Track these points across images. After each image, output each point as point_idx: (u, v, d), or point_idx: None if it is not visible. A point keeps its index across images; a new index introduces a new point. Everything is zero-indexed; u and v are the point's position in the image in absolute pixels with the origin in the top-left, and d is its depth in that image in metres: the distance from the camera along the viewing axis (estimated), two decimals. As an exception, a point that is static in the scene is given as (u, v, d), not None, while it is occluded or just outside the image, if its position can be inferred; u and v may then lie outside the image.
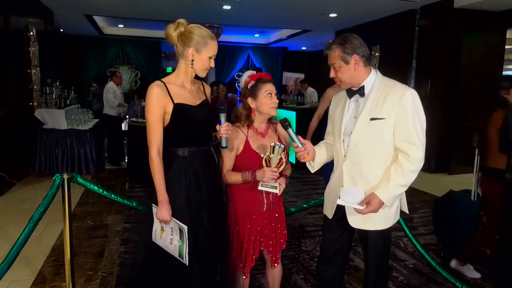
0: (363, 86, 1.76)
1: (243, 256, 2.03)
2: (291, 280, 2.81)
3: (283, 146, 1.86)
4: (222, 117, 1.82)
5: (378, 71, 1.81)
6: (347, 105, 1.83)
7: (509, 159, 2.36)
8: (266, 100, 1.95)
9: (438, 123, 5.96)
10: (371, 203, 1.70)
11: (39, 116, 5.70)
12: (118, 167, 6.35)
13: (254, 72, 2.07)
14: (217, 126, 1.83)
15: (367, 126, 1.72)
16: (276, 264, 2.15)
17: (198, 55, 1.77)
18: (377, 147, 1.73)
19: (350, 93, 1.81)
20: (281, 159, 1.86)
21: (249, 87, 1.98)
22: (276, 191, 1.90)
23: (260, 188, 1.90)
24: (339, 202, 1.78)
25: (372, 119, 1.71)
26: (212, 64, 1.82)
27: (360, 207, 1.72)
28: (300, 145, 1.81)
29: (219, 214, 1.97)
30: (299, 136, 1.83)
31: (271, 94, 1.95)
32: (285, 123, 1.83)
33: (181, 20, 1.79)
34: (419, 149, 1.66)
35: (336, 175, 1.89)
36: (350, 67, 1.74)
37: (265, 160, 1.87)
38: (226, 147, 1.85)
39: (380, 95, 1.72)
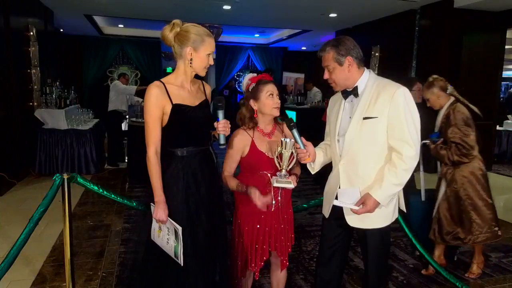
0: (357, 86, 1.77)
1: (253, 256, 2.02)
2: (291, 280, 2.81)
3: (293, 140, 1.85)
4: (220, 114, 1.83)
5: (371, 71, 1.83)
6: (342, 105, 1.84)
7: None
8: (267, 101, 1.96)
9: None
10: (366, 204, 1.70)
11: (39, 116, 5.70)
12: (118, 168, 6.34)
13: (255, 74, 2.08)
14: (215, 124, 1.83)
15: (360, 126, 1.73)
16: (284, 268, 2.15)
17: (196, 54, 1.77)
18: (372, 146, 1.74)
19: (345, 94, 1.82)
20: (292, 154, 1.86)
21: (250, 89, 2.00)
22: (291, 186, 1.89)
23: (275, 184, 1.88)
24: (335, 203, 1.79)
25: (365, 118, 1.72)
26: (211, 62, 1.82)
27: (356, 208, 1.73)
28: (302, 147, 1.82)
29: (219, 214, 1.97)
30: (302, 138, 1.83)
31: (272, 94, 1.96)
32: (290, 124, 1.83)
33: (176, 21, 1.78)
34: (412, 147, 1.66)
35: (333, 175, 1.90)
36: (344, 69, 1.75)
37: (277, 156, 1.87)
38: (224, 145, 1.85)
39: (373, 94, 1.73)
